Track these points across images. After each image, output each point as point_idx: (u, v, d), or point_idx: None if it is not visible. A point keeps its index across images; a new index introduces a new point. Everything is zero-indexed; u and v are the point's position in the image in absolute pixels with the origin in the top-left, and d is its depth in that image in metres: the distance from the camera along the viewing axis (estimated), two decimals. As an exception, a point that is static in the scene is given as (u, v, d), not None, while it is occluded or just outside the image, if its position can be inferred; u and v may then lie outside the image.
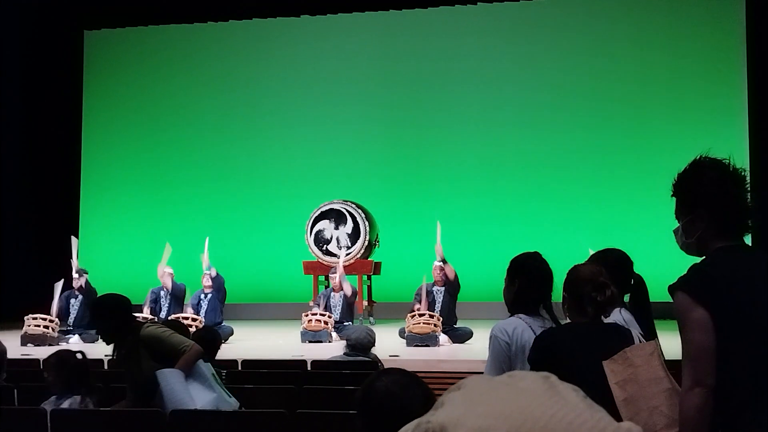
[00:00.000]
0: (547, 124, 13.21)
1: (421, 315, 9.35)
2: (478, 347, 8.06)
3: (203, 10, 14.37)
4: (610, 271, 3.44)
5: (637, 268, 3.89)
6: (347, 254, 11.50)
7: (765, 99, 12.25)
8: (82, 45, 15.08)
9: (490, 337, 3.50)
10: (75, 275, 10.87)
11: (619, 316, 3.64)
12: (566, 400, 0.91)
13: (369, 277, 11.95)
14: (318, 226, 11.62)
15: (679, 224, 2.51)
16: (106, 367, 6.59)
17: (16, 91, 13.80)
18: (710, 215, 2.40)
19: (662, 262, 11.51)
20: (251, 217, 14.02)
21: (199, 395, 4.15)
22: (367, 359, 5.82)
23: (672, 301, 2.39)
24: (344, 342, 6.18)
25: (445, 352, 8.93)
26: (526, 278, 3.58)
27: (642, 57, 13.00)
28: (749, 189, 2.43)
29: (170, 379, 4.07)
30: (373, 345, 6.03)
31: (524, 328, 3.48)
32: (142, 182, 14.56)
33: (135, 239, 14.36)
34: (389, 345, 8.73)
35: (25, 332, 9.82)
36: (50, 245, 14.06)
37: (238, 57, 14.49)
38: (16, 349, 8.69)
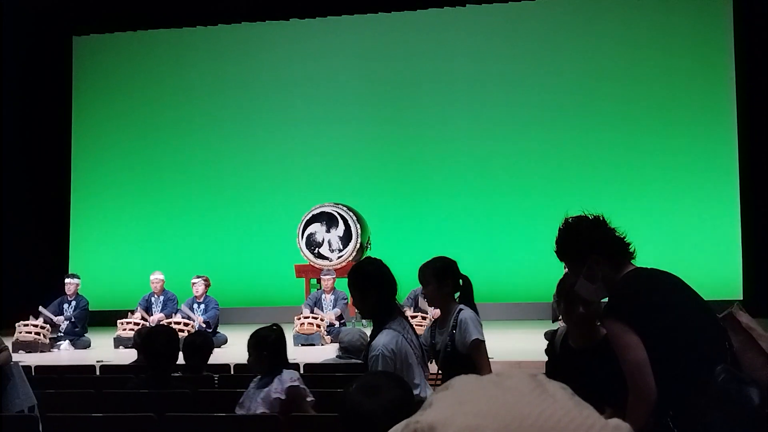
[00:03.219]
0: (538, 123, 13.24)
1: (413, 317, 9.36)
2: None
3: (192, 14, 14.36)
4: (440, 276, 3.99)
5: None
6: (339, 257, 11.49)
7: (753, 96, 12.33)
8: (71, 51, 15.04)
9: (378, 356, 3.52)
10: (67, 280, 10.84)
11: (468, 313, 4.00)
12: (554, 398, 0.91)
13: (361, 280, 11.94)
14: (309, 230, 11.60)
15: (579, 280, 2.79)
16: (98, 372, 6.58)
17: (5, 97, 13.75)
18: (601, 257, 2.71)
19: (654, 257, 11.59)
20: (243, 220, 14.01)
21: None
22: (359, 362, 5.81)
23: None
24: (337, 344, 6.18)
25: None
26: (381, 286, 3.66)
27: (632, 55, 13.05)
28: (613, 226, 2.78)
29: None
30: (366, 347, 6.02)
31: (402, 340, 3.58)
32: (133, 186, 14.53)
33: (126, 243, 14.33)
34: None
35: (17, 339, 9.80)
36: (41, 251, 14.03)
37: (227, 61, 14.48)
38: (7, 357, 8.63)
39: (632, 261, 2.77)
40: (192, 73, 14.58)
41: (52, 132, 14.70)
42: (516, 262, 12.45)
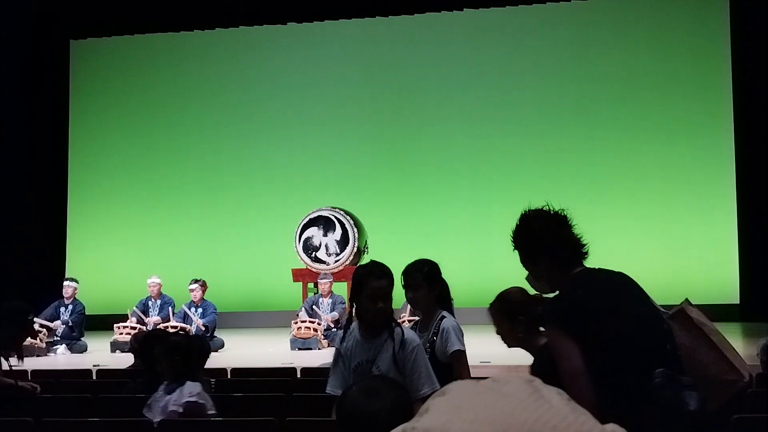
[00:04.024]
0: (534, 126, 13.25)
1: (410, 321, 9.34)
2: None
3: (189, 18, 14.35)
4: (431, 280, 4.05)
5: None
6: (336, 261, 11.48)
7: (750, 99, 12.36)
8: (68, 54, 15.03)
9: (418, 346, 3.60)
10: (66, 283, 10.84)
11: (450, 322, 4.05)
12: (551, 404, 0.91)
13: (358, 284, 11.92)
14: (307, 233, 11.59)
15: (528, 272, 2.81)
16: (94, 377, 6.57)
17: (2, 101, 13.73)
18: (549, 258, 2.69)
19: (651, 261, 11.60)
20: (240, 224, 13.99)
21: None
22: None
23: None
24: (333, 348, 6.16)
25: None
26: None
27: (628, 59, 13.05)
28: (573, 224, 2.74)
29: None
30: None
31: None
32: (130, 190, 14.51)
33: (123, 247, 14.30)
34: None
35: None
36: (38, 256, 14.00)
37: (224, 65, 14.47)
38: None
39: (584, 261, 2.72)
40: (189, 77, 14.57)
41: (49, 135, 14.66)
42: (513, 265, 12.42)
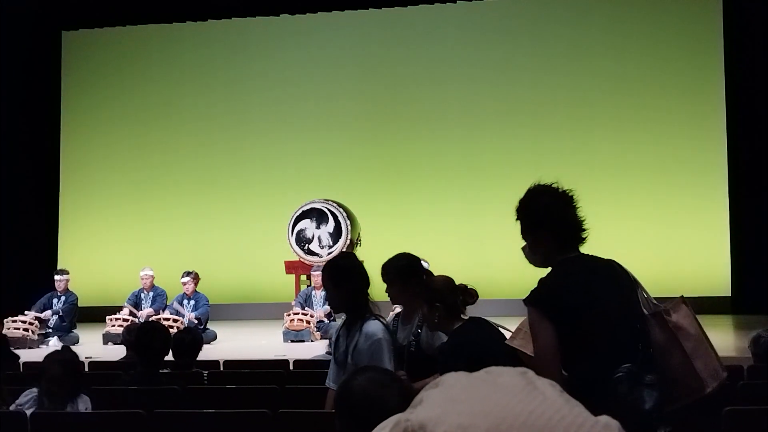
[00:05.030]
0: (528, 120, 13.25)
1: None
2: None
3: (182, 9, 14.30)
4: (405, 275, 4.12)
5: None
6: (329, 253, 11.48)
7: (742, 93, 12.39)
8: (60, 45, 14.96)
9: (381, 340, 3.62)
10: (57, 277, 10.81)
11: None
12: (545, 396, 0.92)
13: (351, 276, 11.92)
14: (299, 226, 11.58)
15: (525, 243, 2.84)
16: (86, 369, 6.55)
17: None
18: (549, 234, 2.73)
19: (644, 254, 11.61)
20: (233, 216, 13.97)
21: None
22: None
23: None
24: (326, 341, 6.18)
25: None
26: (359, 280, 3.75)
27: (622, 53, 13.07)
28: (577, 206, 2.78)
29: None
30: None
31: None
32: (122, 182, 14.47)
33: (115, 239, 14.28)
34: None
35: (5, 335, 9.73)
36: (30, 247, 13.96)
37: (218, 57, 14.43)
38: (-5, 353, 8.59)
39: (581, 246, 2.76)
40: (182, 69, 14.53)
41: (40, 127, 14.61)
42: (506, 259, 12.44)
